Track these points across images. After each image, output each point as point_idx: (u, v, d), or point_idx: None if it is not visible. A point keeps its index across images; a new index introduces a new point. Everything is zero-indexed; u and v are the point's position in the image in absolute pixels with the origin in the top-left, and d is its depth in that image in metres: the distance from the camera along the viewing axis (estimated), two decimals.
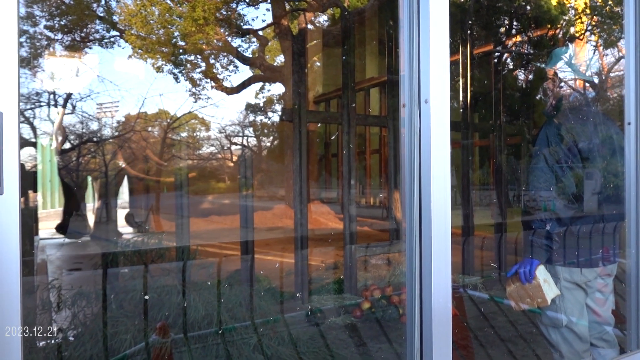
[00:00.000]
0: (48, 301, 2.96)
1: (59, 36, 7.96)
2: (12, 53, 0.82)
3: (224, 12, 8.36)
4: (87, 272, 3.87)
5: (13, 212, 0.82)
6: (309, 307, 3.92)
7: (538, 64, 8.84)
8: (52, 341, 2.62)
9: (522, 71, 9.53)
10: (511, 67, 9.43)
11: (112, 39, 8.57)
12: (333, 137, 9.85)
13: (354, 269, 4.50)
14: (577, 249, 2.22)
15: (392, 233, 5.69)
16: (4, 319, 0.82)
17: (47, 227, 8.67)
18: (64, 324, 2.77)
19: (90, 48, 8.47)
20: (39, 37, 7.66)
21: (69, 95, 7.91)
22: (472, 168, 5.55)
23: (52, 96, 7.79)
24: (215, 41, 8.67)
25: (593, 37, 9.08)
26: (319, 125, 9.91)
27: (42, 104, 7.77)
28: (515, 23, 9.14)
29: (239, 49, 9.91)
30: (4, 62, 0.82)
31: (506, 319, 3.50)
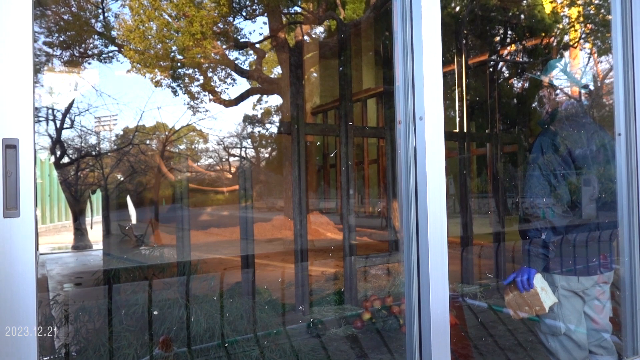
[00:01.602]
0: (50, 316, 2.98)
1: (58, 52, 8.03)
2: (27, 82, 0.87)
3: (221, 26, 8.45)
4: (89, 287, 3.89)
5: (29, 232, 0.87)
6: (311, 318, 3.94)
7: (532, 73, 8.93)
8: (56, 356, 2.64)
9: (518, 80, 9.63)
10: (506, 75, 9.52)
11: (110, 54, 8.65)
12: (332, 155, 9.90)
13: (354, 279, 4.53)
14: (574, 257, 2.25)
15: (391, 243, 5.72)
16: (22, 323, 0.90)
17: (47, 242, 8.67)
18: (67, 339, 2.79)
19: (89, 63, 8.54)
20: (38, 52, 7.72)
21: (67, 110, 7.96)
22: (469, 177, 5.60)
23: (50, 111, 7.84)
24: (213, 55, 8.75)
25: (587, 45, 9.19)
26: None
27: (40, 119, 7.82)
28: (509, 32, 9.25)
29: (237, 62, 10.00)
30: (20, 92, 0.86)
31: (505, 328, 3.53)
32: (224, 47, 9.10)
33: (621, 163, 2.03)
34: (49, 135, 8.25)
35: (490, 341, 3.35)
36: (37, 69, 7.54)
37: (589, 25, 8.80)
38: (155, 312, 2.75)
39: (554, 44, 8.96)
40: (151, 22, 7.71)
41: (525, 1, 8.77)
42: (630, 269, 2.03)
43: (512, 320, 2.85)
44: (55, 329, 2.85)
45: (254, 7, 9.01)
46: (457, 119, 5.73)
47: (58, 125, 8.10)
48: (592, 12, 8.69)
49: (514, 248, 5.36)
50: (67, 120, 8.07)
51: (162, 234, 7.84)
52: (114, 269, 3.56)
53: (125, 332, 2.73)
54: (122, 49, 8.23)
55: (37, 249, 0.94)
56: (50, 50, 7.93)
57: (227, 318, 2.94)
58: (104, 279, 3.48)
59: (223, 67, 9.67)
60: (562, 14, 8.97)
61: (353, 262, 4.51)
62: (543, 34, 8.76)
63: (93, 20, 8.19)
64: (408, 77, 1.34)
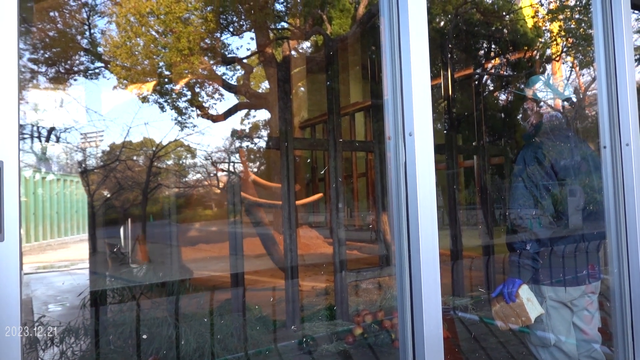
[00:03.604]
0: (35, 338, 2.91)
1: (43, 68, 7.97)
2: (12, 104, 0.85)
3: (209, 42, 8.47)
4: (75, 308, 3.81)
5: (14, 256, 0.85)
6: (302, 335, 3.89)
7: (517, 86, 9.08)
8: None
9: (503, 92, 9.78)
10: (492, 88, 9.67)
11: (97, 70, 8.61)
12: (322, 172, 9.92)
13: (345, 294, 4.50)
14: (562, 267, 2.27)
15: (381, 257, 5.71)
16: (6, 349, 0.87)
17: (31, 261, 8.51)
18: None
19: (75, 80, 8.48)
20: (23, 69, 7.65)
21: (52, 127, 7.87)
22: (458, 189, 5.64)
23: (35, 128, 7.75)
24: (200, 70, 8.76)
25: (569, 58, 9.39)
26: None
27: (25, 136, 7.72)
28: (493, 46, 9.41)
29: (224, 77, 10.01)
30: (5, 113, 0.85)
31: (496, 340, 3.52)
32: (212, 62, 9.12)
33: (607, 175, 2.06)
34: (34, 152, 8.14)
35: (482, 354, 3.34)
36: (22, 86, 7.46)
37: (570, 39, 9.00)
38: (145, 336, 2.70)
39: (537, 57, 9.14)
40: (138, 38, 7.71)
41: (508, 16, 8.95)
42: (619, 279, 2.04)
43: (503, 332, 2.85)
44: (40, 351, 2.78)
45: (241, 22, 9.06)
46: (444, 132, 5.78)
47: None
48: (572, 26, 8.90)
49: (503, 260, 5.38)
50: (53, 137, 7.98)
51: (151, 250, 7.73)
52: (102, 289, 3.50)
53: (112, 354, 2.68)
54: (108, 65, 8.20)
55: (21, 270, 0.91)
56: (35, 67, 7.87)
57: (217, 337, 2.90)
58: (91, 298, 3.41)
59: (210, 82, 9.68)
60: (544, 28, 9.17)
61: (344, 276, 4.48)
62: (526, 48, 8.94)
63: (79, 37, 8.16)
64: (397, 93, 1.35)
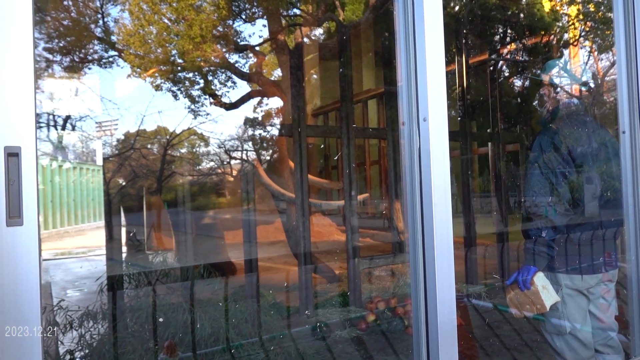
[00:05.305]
0: (54, 322, 2.97)
1: (58, 57, 8.03)
2: (29, 90, 0.86)
3: (221, 30, 8.45)
4: (93, 293, 3.89)
5: (33, 241, 0.87)
6: (315, 321, 3.93)
7: (533, 71, 8.92)
8: None
9: (518, 78, 9.62)
10: (507, 74, 9.52)
11: (110, 59, 8.65)
12: (336, 158, 9.89)
13: (358, 281, 4.52)
14: (578, 255, 2.25)
15: (394, 244, 5.71)
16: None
17: (49, 247, 8.69)
18: (72, 345, 2.78)
19: (90, 68, 8.54)
20: (38, 58, 7.72)
21: (68, 116, 7.95)
22: (472, 176, 5.59)
23: (51, 117, 7.84)
24: (213, 58, 8.75)
25: (587, 43, 9.19)
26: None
27: (41, 124, 7.82)
28: (509, 31, 9.24)
29: (237, 65, 9.98)
30: (22, 99, 0.86)
31: (511, 328, 3.51)
32: (224, 50, 9.10)
33: (626, 161, 2.03)
34: (50, 141, 8.25)
35: (496, 341, 3.34)
36: (38, 75, 7.53)
37: (589, 23, 8.79)
38: (161, 319, 2.74)
39: (554, 42, 8.95)
40: (151, 26, 7.72)
41: None
42: (637, 267, 2.01)
43: (517, 320, 2.84)
44: (59, 335, 2.85)
45: (253, 9, 9.01)
46: (459, 119, 5.73)
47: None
48: (591, 9, 8.69)
49: (518, 247, 5.35)
50: (68, 125, 8.07)
51: (165, 237, 7.83)
52: (118, 274, 3.56)
53: (129, 337, 2.73)
54: (122, 54, 8.23)
55: (40, 254, 0.93)
56: (50, 56, 7.93)
57: (231, 322, 2.93)
58: (108, 284, 3.47)
59: (223, 70, 9.67)
60: (561, 12, 8.97)
61: (357, 263, 4.50)
62: (543, 32, 8.76)
63: (93, 26, 8.20)
64: (411, 78, 1.33)
